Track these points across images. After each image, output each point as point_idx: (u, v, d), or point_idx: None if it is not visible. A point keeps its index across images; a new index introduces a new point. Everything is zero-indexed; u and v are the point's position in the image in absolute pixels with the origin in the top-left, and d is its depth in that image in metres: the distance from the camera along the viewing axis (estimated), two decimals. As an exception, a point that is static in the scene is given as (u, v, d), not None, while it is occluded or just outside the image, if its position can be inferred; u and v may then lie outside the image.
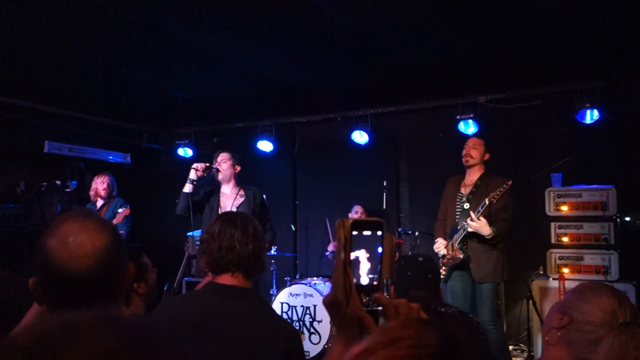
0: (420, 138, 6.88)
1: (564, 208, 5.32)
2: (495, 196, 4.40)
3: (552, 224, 5.38)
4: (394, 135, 7.11)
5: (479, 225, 4.44)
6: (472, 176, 4.81)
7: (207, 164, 4.81)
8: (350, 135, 6.70)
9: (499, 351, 4.46)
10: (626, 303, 1.59)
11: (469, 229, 4.51)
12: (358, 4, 3.98)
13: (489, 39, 4.66)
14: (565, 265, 5.23)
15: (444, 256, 4.81)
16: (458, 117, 6.08)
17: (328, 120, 7.19)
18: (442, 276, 4.68)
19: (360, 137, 6.67)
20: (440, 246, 4.85)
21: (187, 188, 4.78)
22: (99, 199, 5.97)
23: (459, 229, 4.67)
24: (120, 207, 5.71)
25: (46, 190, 6.01)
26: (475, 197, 4.67)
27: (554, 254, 5.31)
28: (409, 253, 5.98)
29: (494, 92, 6.15)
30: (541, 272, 5.42)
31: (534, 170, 6.07)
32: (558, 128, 6.05)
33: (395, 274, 2.56)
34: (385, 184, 6.20)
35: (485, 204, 4.44)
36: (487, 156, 4.81)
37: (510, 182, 4.43)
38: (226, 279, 2.08)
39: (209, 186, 5.01)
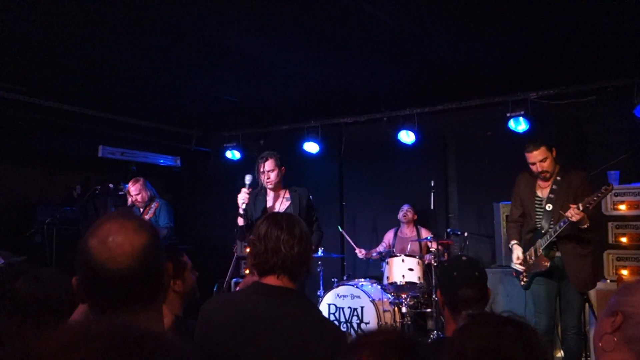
0: (469, 137, 6.74)
1: (622, 207, 5.09)
2: (591, 202, 3.91)
3: (610, 224, 5.16)
4: (442, 135, 7.00)
5: (581, 215, 3.91)
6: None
7: (248, 191, 4.64)
8: (396, 135, 6.64)
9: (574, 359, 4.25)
10: None
11: (569, 217, 3.94)
12: (402, 4, 3.93)
13: (539, 33, 4.51)
14: (624, 267, 5.01)
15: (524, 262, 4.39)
16: (508, 114, 5.93)
17: (374, 121, 7.15)
18: (522, 283, 4.40)
19: (407, 136, 6.60)
20: (516, 263, 4.39)
21: (241, 221, 4.65)
22: (139, 205, 5.95)
23: (544, 234, 4.23)
24: (160, 209, 5.68)
25: (100, 194, 6.20)
26: (558, 196, 4.20)
27: (612, 255, 5.09)
28: (459, 254, 5.87)
29: (545, 88, 5.96)
30: (598, 274, 5.21)
31: (589, 168, 5.84)
32: (614, 124, 5.81)
33: (441, 276, 2.50)
34: (432, 184, 6.10)
35: (579, 208, 3.93)
36: (555, 153, 4.27)
37: (610, 187, 3.94)
38: (272, 280, 2.08)
39: (253, 189, 4.96)
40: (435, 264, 5.57)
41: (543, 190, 4.35)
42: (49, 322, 1.64)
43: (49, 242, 5.80)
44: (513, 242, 4.49)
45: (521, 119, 5.86)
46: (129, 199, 5.88)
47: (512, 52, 4.96)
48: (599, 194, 3.92)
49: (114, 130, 6.96)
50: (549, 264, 4.20)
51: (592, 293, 4.87)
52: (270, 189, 4.70)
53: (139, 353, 0.63)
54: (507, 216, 5.08)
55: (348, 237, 6.72)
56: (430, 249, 5.96)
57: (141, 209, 5.89)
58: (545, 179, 4.30)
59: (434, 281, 5.58)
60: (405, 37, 4.58)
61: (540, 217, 4.32)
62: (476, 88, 6.12)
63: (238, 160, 7.71)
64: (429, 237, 5.97)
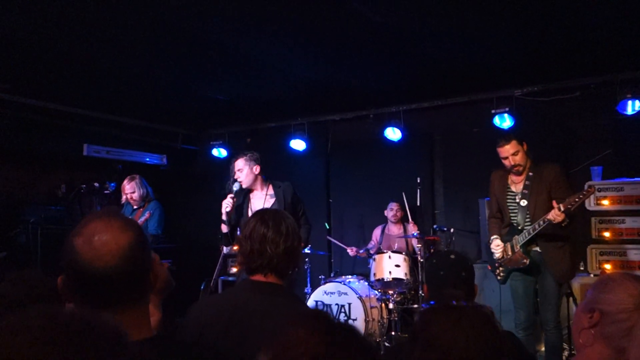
0: (455, 133, 6.79)
1: (605, 202, 5.17)
2: (572, 203, 3.92)
3: (593, 219, 5.23)
4: (428, 131, 7.03)
5: (562, 216, 3.95)
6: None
7: (233, 196, 4.57)
8: (383, 132, 6.66)
9: (554, 354, 4.30)
10: None
11: (551, 220, 3.98)
12: (389, 2, 3.94)
13: (524, 30, 4.55)
14: (607, 261, 5.09)
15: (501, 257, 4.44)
16: (493, 111, 5.97)
17: (360, 118, 7.17)
18: (499, 277, 4.46)
19: (393, 133, 6.63)
20: (496, 250, 4.44)
21: (225, 228, 4.64)
22: (133, 203, 5.79)
23: (522, 230, 4.26)
24: (151, 218, 5.48)
25: (85, 193, 6.13)
26: (532, 191, 4.25)
27: (595, 250, 5.17)
28: (447, 250, 5.91)
29: (530, 84, 6.02)
30: (581, 269, 5.28)
31: (573, 164, 5.92)
32: (598, 120, 5.88)
33: (428, 272, 2.52)
34: (419, 181, 6.14)
35: (560, 209, 3.96)
36: (525, 147, 4.33)
37: (592, 189, 4.04)
38: (259, 278, 2.11)
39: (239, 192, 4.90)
40: (422, 260, 5.61)
41: (516, 185, 4.40)
42: None
43: (34, 242, 5.72)
44: (493, 236, 4.54)
45: (506, 115, 5.91)
46: (123, 197, 5.71)
47: (497, 49, 4.99)
48: (581, 196, 3.95)
49: (99, 128, 6.90)
50: (528, 262, 4.24)
51: (575, 287, 4.94)
52: (245, 187, 4.69)
53: (69, 340, 0.64)
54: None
55: (336, 241, 6.75)
56: (417, 246, 6.00)
57: (135, 207, 5.76)
58: (518, 173, 4.35)
59: (420, 277, 5.62)
60: (392, 34, 4.59)
61: (515, 212, 4.37)
62: (461, 85, 6.16)
63: (225, 158, 7.68)
64: (415, 234, 6.00)
